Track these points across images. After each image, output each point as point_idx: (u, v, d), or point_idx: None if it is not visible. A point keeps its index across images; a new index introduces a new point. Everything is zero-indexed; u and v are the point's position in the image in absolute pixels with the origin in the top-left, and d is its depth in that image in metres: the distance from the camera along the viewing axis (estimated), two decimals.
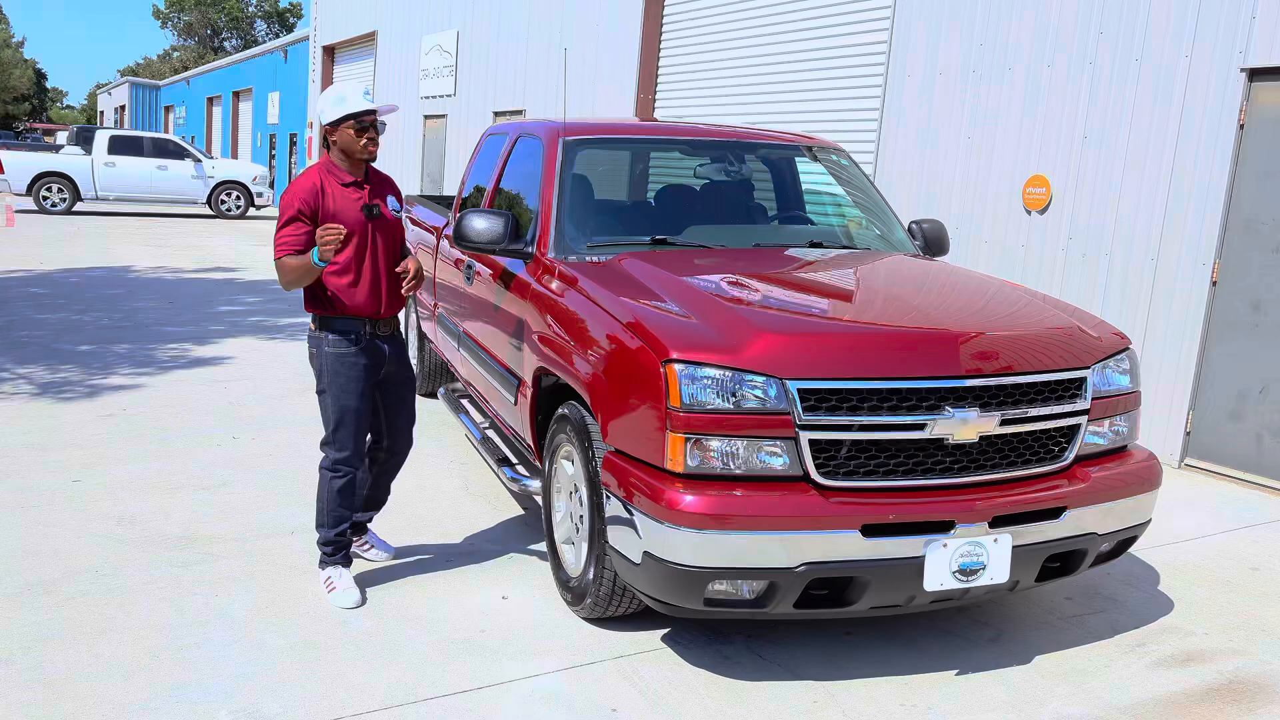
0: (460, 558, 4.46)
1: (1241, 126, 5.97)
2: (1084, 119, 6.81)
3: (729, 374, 3.20)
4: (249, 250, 17.05)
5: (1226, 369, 6.07)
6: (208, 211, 23.38)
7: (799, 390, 3.20)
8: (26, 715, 3.12)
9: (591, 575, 3.69)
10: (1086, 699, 3.49)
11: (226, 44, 72.99)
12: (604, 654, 3.65)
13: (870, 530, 3.20)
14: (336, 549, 4.03)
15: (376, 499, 4.29)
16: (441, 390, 6.19)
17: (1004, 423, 3.38)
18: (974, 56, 7.58)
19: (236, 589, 4.06)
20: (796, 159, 5.23)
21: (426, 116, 16.96)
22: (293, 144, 27.80)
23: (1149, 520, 3.79)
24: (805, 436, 3.21)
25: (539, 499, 5.10)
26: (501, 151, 5.46)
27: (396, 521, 4.81)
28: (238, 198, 23.68)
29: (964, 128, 7.67)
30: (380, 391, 3.99)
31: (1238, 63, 5.96)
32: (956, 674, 3.63)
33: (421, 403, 7.11)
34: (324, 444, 3.95)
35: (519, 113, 14.06)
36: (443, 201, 7.84)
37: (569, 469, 3.98)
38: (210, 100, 40.11)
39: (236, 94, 35.67)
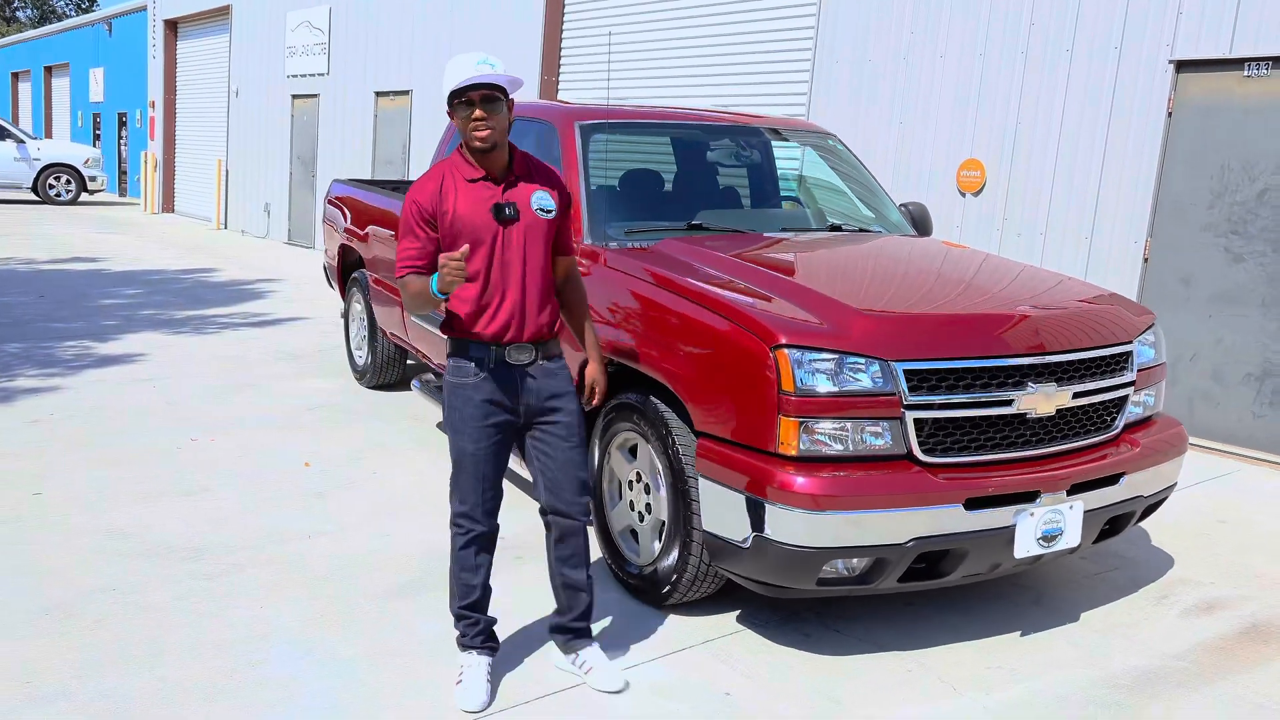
0: (498, 554, 4.34)
1: (1170, 115, 6.45)
2: (1017, 105, 7.19)
3: (839, 358, 3.26)
4: (100, 238, 15.90)
5: None
6: (33, 197, 21.61)
7: (904, 371, 3.29)
8: None
9: (672, 562, 3.68)
10: (1144, 651, 3.74)
11: (20, 14, 67.26)
12: (690, 640, 3.65)
13: (972, 504, 3.33)
14: (470, 629, 3.29)
15: (571, 586, 3.33)
16: (416, 383, 5.98)
17: (1075, 396, 3.57)
18: (905, 44, 7.86)
19: (278, 599, 3.84)
20: (799, 144, 5.32)
21: (295, 96, 16.19)
22: (122, 124, 25.97)
23: (1176, 483, 4.09)
24: (910, 416, 3.30)
25: None
26: None
27: (421, 519, 4.66)
28: (68, 182, 22.01)
29: (896, 113, 7.95)
30: (526, 436, 3.25)
31: (1165, 55, 6.43)
32: (1021, 635, 3.82)
33: (384, 396, 6.88)
34: (450, 494, 3.28)
35: (405, 94, 13.62)
36: (380, 185, 7.54)
37: (627, 458, 3.95)
38: (15, 75, 36.92)
39: (49, 69, 32.96)
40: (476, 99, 2.99)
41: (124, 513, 4.61)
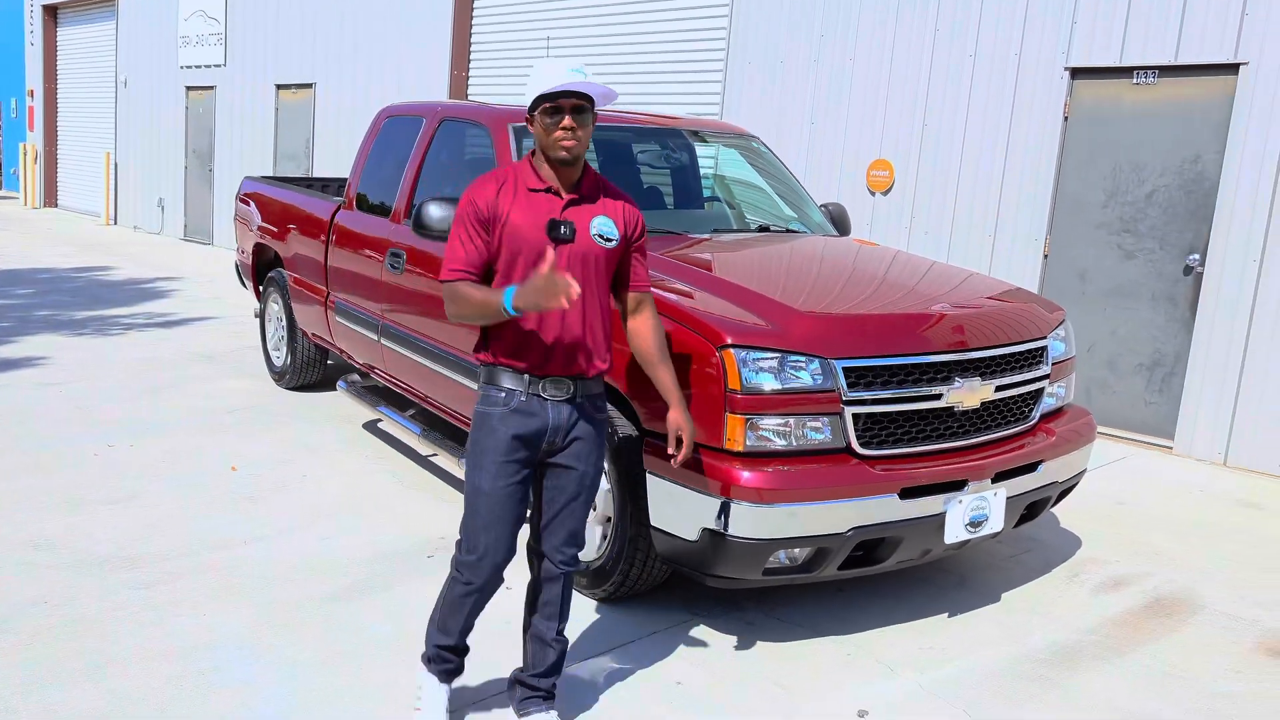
0: (441, 553, 4.38)
1: (1066, 119, 6.81)
2: (924, 108, 7.48)
3: (782, 356, 3.40)
4: None
5: None
6: None
7: (843, 368, 3.45)
8: None
9: (618, 557, 3.78)
10: (1060, 626, 4.00)
11: None
12: (638, 632, 3.76)
13: (906, 493, 3.51)
14: (441, 664, 3.07)
15: (539, 638, 3.07)
16: (343, 383, 5.94)
17: (997, 389, 3.79)
18: (815, 46, 8.09)
19: (221, 606, 3.80)
20: (723, 146, 5.46)
21: (190, 87, 15.68)
22: None
23: (1086, 469, 4.37)
24: (849, 411, 3.46)
25: None
26: (419, 137, 5.31)
27: (359, 521, 4.65)
28: None
29: (807, 113, 8.18)
30: (541, 474, 2.99)
31: (1061, 62, 6.78)
32: (949, 616, 4.04)
33: (306, 397, 6.79)
34: (456, 544, 2.99)
35: (308, 86, 13.35)
36: (294, 182, 7.43)
37: None
38: None
39: None
40: (567, 107, 2.80)
41: (48, 522, 4.48)
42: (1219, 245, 6.17)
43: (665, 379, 3.08)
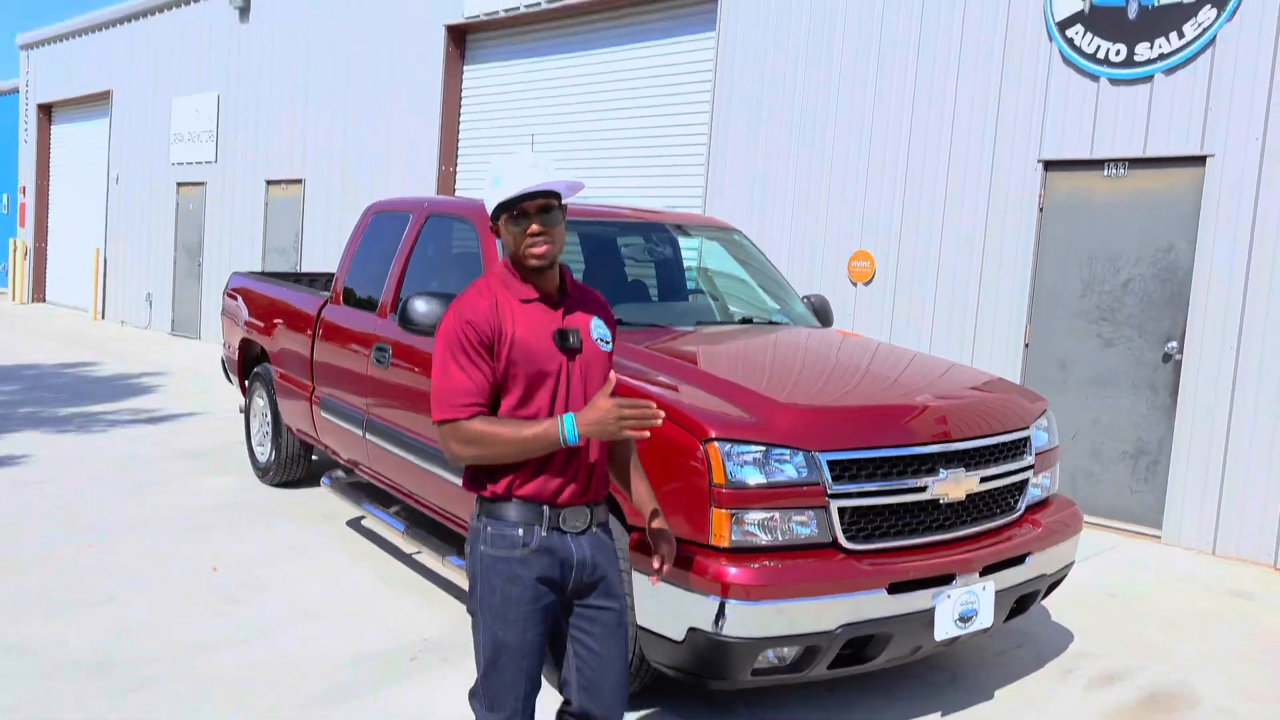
0: (424, 655, 4.30)
1: (1041, 210, 6.95)
2: (902, 200, 7.63)
3: (767, 450, 3.40)
4: None
5: None
6: None
7: (828, 461, 3.45)
8: None
9: None
10: None
11: None
12: None
13: (895, 588, 3.48)
14: None
15: None
16: (326, 479, 5.90)
17: (982, 480, 3.79)
18: (795, 141, 8.28)
19: (198, 714, 3.71)
20: (708, 239, 5.55)
21: (180, 184, 15.89)
22: None
23: (1074, 560, 4.35)
24: (835, 504, 3.46)
25: None
26: (405, 233, 5.38)
27: (342, 623, 4.57)
28: None
29: (789, 207, 8.33)
30: (568, 618, 2.63)
31: (1035, 155, 6.96)
32: (942, 715, 3.96)
33: (290, 494, 6.74)
34: (471, 695, 2.64)
35: (297, 182, 13.54)
36: (281, 277, 7.49)
37: None
38: None
39: None
40: (532, 210, 2.52)
41: (24, 626, 4.39)
42: (1196, 333, 6.26)
43: (642, 489, 2.81)
